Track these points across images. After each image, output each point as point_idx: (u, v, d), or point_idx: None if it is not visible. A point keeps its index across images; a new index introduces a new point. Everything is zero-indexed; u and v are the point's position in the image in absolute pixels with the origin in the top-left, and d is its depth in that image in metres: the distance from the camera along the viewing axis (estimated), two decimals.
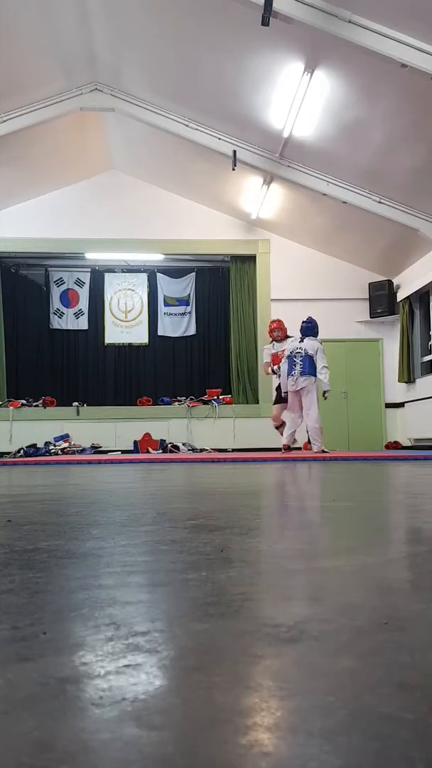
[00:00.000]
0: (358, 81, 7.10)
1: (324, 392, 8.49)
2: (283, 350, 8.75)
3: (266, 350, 9.50)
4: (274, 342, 9.27)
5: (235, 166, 9.02)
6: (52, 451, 10.94)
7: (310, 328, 8.63)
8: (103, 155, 11.28)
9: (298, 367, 8.35)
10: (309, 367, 8.34)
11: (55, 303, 12.40)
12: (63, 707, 0.58)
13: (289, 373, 8.39)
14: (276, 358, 8.97)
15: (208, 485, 3.84)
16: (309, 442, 8.97)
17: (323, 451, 8.34)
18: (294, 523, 2.07)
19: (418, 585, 1.10)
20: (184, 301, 12.48)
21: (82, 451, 11.15)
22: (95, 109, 9.22)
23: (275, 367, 8.98)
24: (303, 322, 8.75)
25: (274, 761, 0.48)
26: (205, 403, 11.71)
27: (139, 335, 12.38)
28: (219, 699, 0.60)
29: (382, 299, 11.61)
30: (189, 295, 12.50)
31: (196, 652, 0.74)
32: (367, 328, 12.03)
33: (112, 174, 11.87)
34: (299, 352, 8.43)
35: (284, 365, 8.53)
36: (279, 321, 9.44)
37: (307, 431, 8.65)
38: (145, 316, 12.35)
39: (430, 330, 11.00)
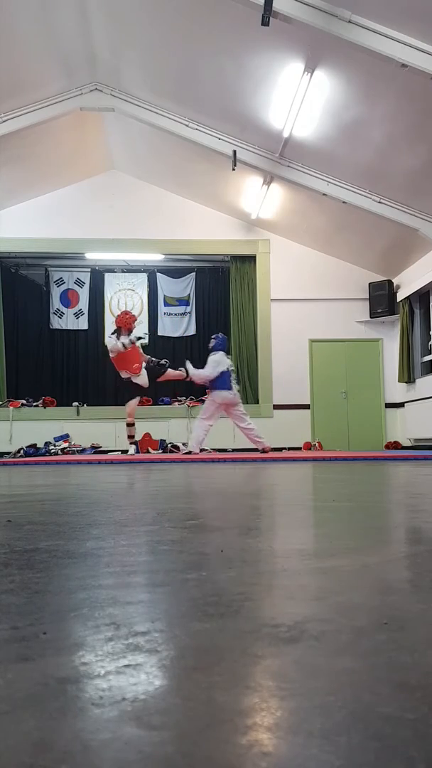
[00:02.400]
0: (358, 81, 7.10)
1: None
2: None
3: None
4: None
5: (235, 166, 9.02)
6: (52, 451, 10.94)
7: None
8: (103, 155, 11.28)
9: (233, 381, 8.95)
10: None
11: (55, 303, 12.40)
12: (63, 707, 0.58)
13: (230, 387, 8.80)
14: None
15: (208, 485, 3.84)
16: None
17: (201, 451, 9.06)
18: (294, 523, 2.07)
19: (418, 585, 1.10)
20: (184, 301, 12.48)
21: (82, 451, 11.15)
22: (95, 109, 9.22)
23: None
24: (215, 338, 9.15)
25: (274, 761, 0.48)
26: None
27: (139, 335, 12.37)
28: (219, 699, 0.60)
29: (382, 299, 11.61)
30: (189, 295, 12.50)
31: (196, 652, 0.74)
32: (367, 328, 12.04)
33: (112, 174, 11.87)
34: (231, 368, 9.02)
35: (222, 378, 8.79)
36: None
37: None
38: (145, 316, 12.34)
39: (430, 330, 11.00)
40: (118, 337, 8.83)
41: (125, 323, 9.00)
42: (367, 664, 0.69)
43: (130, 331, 8.97)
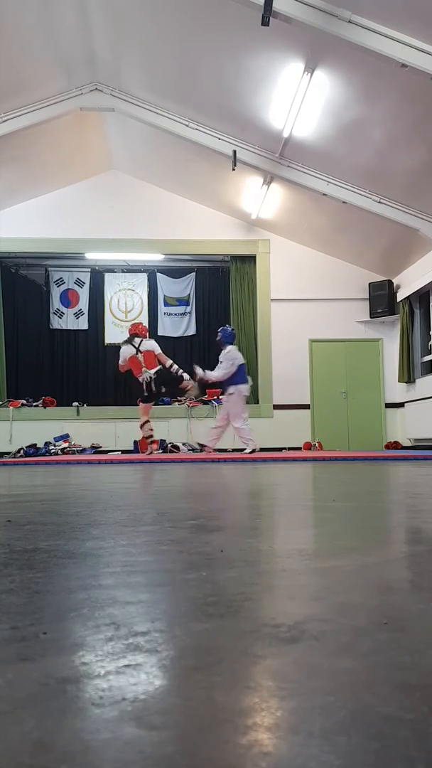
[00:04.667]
0: (358, 81, 7.10)
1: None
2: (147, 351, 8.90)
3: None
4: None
5: (235, 166, 9.02)
6: (52, 451, 10.94)
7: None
8: (103, 155, 11.28)
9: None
10: None
11: (55, 303, 12.40)
12: (63, 707, 0.58)
13: (246, 380, 8.91)
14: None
15: (208, 485, 3.84)
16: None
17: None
18: (294, 523, 2.07)
19: (418, 585, 1.10)
20: (184, 301, 12.48)
21: (82, 451, 11.15)
22: (95, 109, 9.22)
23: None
24: (222, 331, 9.23)
25: (274, 761, 0.48)
26: (205, 403, 11.71)
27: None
28: (219, 699, 0.60)
29: (382, 299, 11.61)
30: (189, 295, 12.49)
31: (196, 652, 0.74)
32: (367, 328, 12.04)
33: (112, 174, 11.87)
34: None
35: (240, 371, 8.86)
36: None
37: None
38: (145, 316, 12.33)
39: (430, 330, 11.00)
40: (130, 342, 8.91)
41: (140, 331, 9.11)
42: (367, 664, 0.69)
43: (143, 337, 9.02)
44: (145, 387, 8.88)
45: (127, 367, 8.91)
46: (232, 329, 9.27)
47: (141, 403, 9.14)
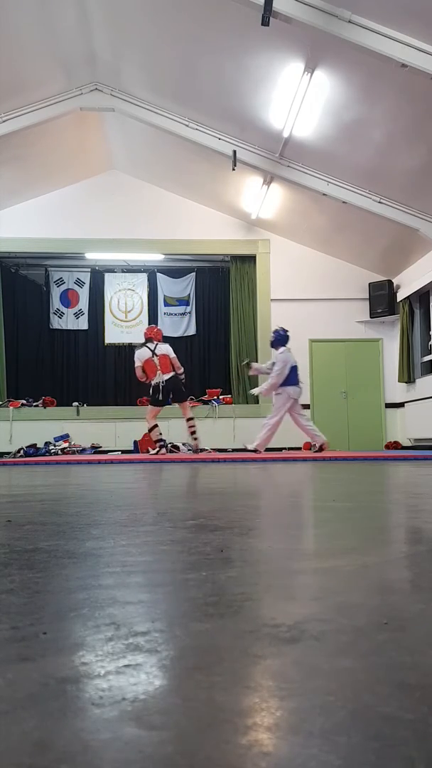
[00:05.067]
0: (358, 81, 7.10)
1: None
2: (164, 355, 8.97)
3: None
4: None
5: (235, 166, 9.02)
6: (52, 451, 10.94)
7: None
8: (103, 155, 11.28)
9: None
10: None
11: (55, 303, 12.40)
12: (63, 707, 0.58)
13: (297, 382, 8.82)
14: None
15: (208, 485, 3.84)
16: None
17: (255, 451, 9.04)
18: (294, 523, 2.07)
19: (418, 585, 1.10)
20: (184, 301, 12.48)
21: (82, 451, 11.15)
22: (95, 109, 9.22)
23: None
24: (276, 333, 9.20)
25: (274, 761, 0.48)
26: (205, 403, 11.71)
27: (139, 335, 12.30)
28: (219, 699, 0.60)
29: (382, 299, 11.61)
30: (189, 295, 12.49)
31: (196, 652, 0.74)
32: (367, 328, 12.03)
33: (112, 174, 11.87)
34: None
35: (292, 373, 8.78)
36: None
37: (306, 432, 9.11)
38: (145, 316, 12.34)
39: (430, 330, 11.00)
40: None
41: (155, 334, 9.19)
42: (367, 664, 0.69)
43: (158, 341, 9.08)
44: (159, 391, 8.88)
45: (143, 372, 8.92)
46: (285, 331, 9.12)
47: (150, 406, 9.14)
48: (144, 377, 9.01)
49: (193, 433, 9.20)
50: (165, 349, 9.05)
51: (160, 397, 9.00)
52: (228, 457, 8.37)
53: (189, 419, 9.20)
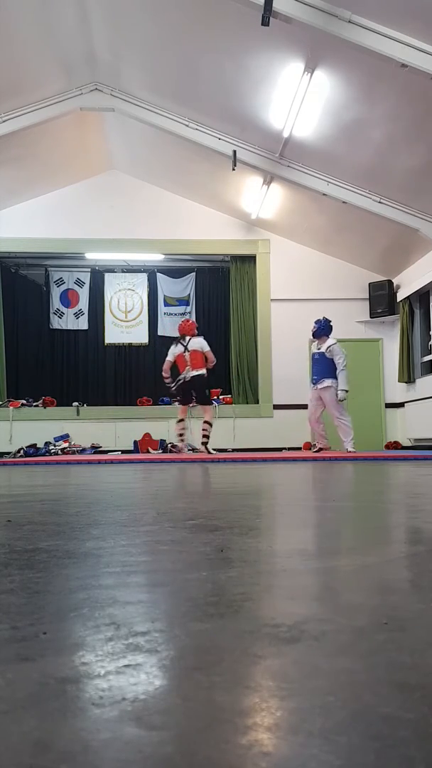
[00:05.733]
0: (358, 81, 7.10)
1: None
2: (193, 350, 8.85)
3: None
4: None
5: (235, 166, 9.02)
6: (52, 451, 10.93)
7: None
8: (103, 155, 11.28)
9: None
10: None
11: (55, 303, 12.40)
12: (63, 707, 0.58)
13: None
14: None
15: (208, 485, 3.84)
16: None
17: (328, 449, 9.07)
18: (294, 523, 2.07)
19: (418, 585, 1.10)
20: (184, 301, 12.47)
21: (82, 451, 11.15)
22: (95, 109, 9.22)
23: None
24: (318, 323, 9.05)
25: (274, 761, 0.48)
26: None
27: (139, 335, 12.37)
28: (219, 699, 0.60)
29: (382, 299, 11.61)
30: (189, 295, 12.49)
31: (196, 652, 0.74)
32: (367, 328, 12.03)
33: (112, 174, 11.87)
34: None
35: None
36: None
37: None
38: (145, 316, 12.34)
39: (430, 330, 11.00)
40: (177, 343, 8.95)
41: (189, 329, 9.11)
42: (367, 664, 0.69)
43: (192, 335, 8.99)
44: (181, 388, 8.82)
45: (170, 366, 8.81)
46: (327, 320, 8.96)
47: (179, 405, 9.12)
48: (168, 374, 8.86)
49: (205, 437, 9.02)
50: (197, 343, 8.88)
51: (181, 395, 8.90)
52: (228, 457, 8.37)
53: (205, 422, 9.03)
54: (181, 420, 9.16)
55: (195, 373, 8.77)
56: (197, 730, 0.54)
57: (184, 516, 2.09)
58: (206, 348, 8.87)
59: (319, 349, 8.98)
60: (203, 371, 8.84)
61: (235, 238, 11.86)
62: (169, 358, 8.93)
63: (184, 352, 8.80)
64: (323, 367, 8.88)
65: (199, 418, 11.49)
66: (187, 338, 8.91)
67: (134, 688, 0.62)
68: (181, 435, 9.23)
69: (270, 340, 11.87)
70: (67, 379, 12.40)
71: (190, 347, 8.82)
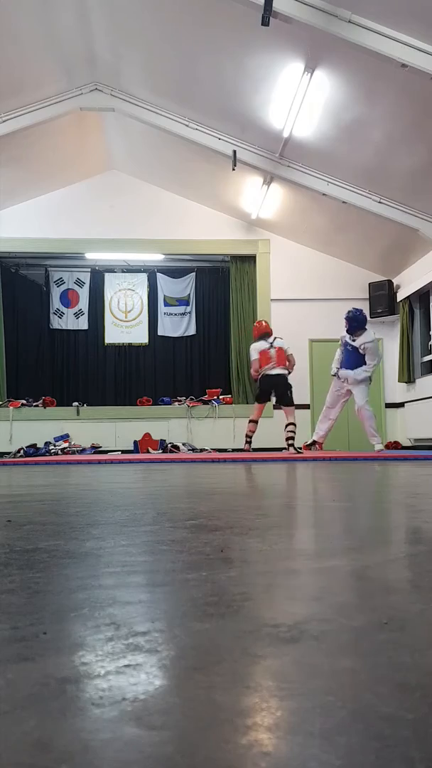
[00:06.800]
0: (358, 81, 7.10)
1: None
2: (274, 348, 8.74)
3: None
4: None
5: (235, 166, 9.02)
6: (52, 451, 10.94)
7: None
8: (103, 155, 11.28)
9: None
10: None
11: (55, 303, 12.40)
12: (63, 707, 0.58)
13: None
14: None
15: (208, 485, 3.84)
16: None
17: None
18: (294, 523, 2.07)
19: (418, 585, 1.10)
20: (184, 301, 12.48)
21: (82, 451, 11.15)
22: (95, 109, 9.22)
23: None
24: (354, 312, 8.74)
25: (274, 761, 0.48)
26: (205, 403, 11.71)
27: (139, 335, 12.38)
28: (219, 699, 0.60)
29: (382, 299, 11.61)
30: (189, 295, 12.49)
31: (196, 652, 0.74)
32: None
33: (112, 174, 11.87)
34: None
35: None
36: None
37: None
38: (145, 316, 12.34)
39: (430, 330, 11.00)
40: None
41: (269, 329, 9.04)
42: (367, 664, 0.69)
43: (267, 335, 8.90)
44: (261, 385, 8.72)
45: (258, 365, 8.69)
46: (358, 310, 8.70)
47: (256, 403, 9.05)
48: (257, 374, 8.75)
49: (289, 439, 8.76)
50: (282, 343, 8.81)
51: (261, 393, 8.80)
52: (228, 457, 8.37)
53: (290, 423, 8.79)
54: (254, 421, 8.97)
55: (279, 370, 8.69)
56: (197, 730, 0.54)
57: (184, 516, 2.09)
58: (290, 351, 8.80)
59: (353, 341, 8.61)
60: (287, 371, 8.76)
61: (235, 238, 11.86)
62: (254, 356, 8.74)
63: (269, 348, 8.71)
64: (354, 360, 8.58)
65: (200, 418, 11.54)
66: (272, 336, 8.86)
67: (134, 688, 0.62)
68: (249, 437, 9.03)
69: None
70: (67, 379, 12.40)
71: (275, 345, 8.75)
